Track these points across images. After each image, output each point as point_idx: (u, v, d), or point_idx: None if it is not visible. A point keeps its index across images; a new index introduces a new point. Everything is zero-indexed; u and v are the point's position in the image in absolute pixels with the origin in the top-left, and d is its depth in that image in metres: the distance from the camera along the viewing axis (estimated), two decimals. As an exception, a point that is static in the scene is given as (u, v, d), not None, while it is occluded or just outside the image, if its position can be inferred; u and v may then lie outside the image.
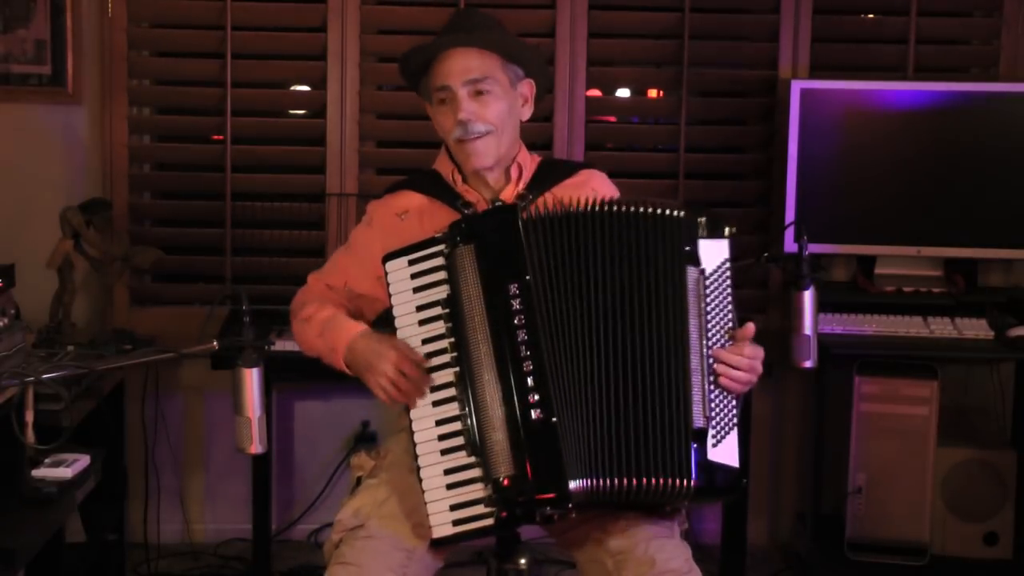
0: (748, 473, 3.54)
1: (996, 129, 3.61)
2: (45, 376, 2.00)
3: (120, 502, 3.63)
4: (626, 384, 2.06)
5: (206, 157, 3.87)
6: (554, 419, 2.03)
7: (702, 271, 2.10)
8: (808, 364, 2.43)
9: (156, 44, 3.84)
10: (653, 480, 2.04)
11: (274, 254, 3.83)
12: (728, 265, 2.12)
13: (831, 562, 3.55)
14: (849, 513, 3.56)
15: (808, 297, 2.40)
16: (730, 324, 2.12)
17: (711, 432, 2.07)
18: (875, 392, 3.55)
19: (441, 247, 2.13)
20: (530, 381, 2.04)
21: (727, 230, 2.14)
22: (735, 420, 2.11)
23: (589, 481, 2.03)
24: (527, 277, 2.07)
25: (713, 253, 2.12)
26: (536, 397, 2.03)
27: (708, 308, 2.10)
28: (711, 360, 2.09)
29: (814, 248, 3.06)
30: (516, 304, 2.06)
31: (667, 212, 2.12)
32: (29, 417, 2.71)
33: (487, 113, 2.25)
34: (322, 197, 3.77)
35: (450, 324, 2.11)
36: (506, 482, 2.03)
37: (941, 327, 3.46)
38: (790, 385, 3.91)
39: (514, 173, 2.34)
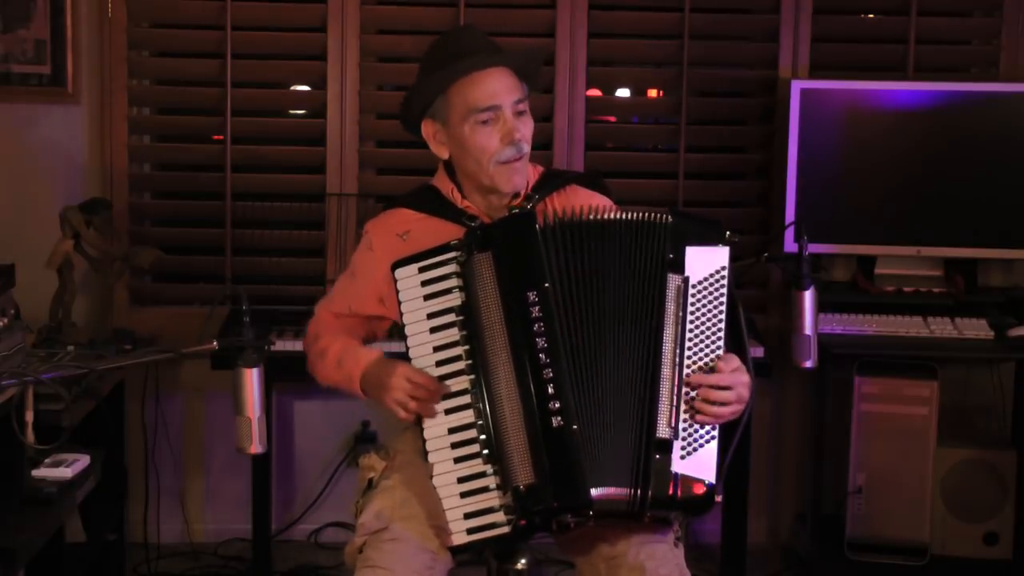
0: (749, 480, 3.59)
1: (996, 129, 3.61)
2: (45, 376, 1.99)
3: (120, 502, 3.62)
4: (601, 392, 2.06)
5: (206, 157, 3.87)
6: (575, 426, 2.02)
7: (686, 279, 2.08)
8: (808, 364, 2.42)
9: (156, 44, 3.84)
10: (614, 489, 2.03)
11: (274, 254, 3.83)
12: (724, 273, 2.10)
13: (831, 562, 3.56)
14: (849, 513, 3.56)
15: (808, 297, 2.40)
16: (720, 333, 2.09)
17: (679, 444, 2.05)
18: (875, 392, 3.55)
19: (455, 255, 2.13)
20: (550, 389, 2.04)
21: (726, 236, 2.12)
22: (713, 434, 2.07)
23: (604, 489, 2.03)
24: (546, 285, 2.07)
25: (704, 260, 2.10)
26: (556, 405, 2.03)
27: (693, 316, 2.07)
28: (689, 370, 2.07)
29: (814, 248, 3.07)
30: (535, 312, 2.06)
31: (651, 218, 2.11)
32: (29, 417, 2.71)
33: (528, 133, 2.26)
34: (322, 197, 3.76)
35: (465, 332, 2.10)
36: (525, 490, 2.03)
37: (941, 327, 3.46)
38: (790, 385, 3.91)
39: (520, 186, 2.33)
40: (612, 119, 3.98)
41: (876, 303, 3.63)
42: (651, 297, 2.08)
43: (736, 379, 2.08)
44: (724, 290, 2.10)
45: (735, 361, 2.10)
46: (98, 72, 3.74)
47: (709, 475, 2.06)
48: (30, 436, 2.70)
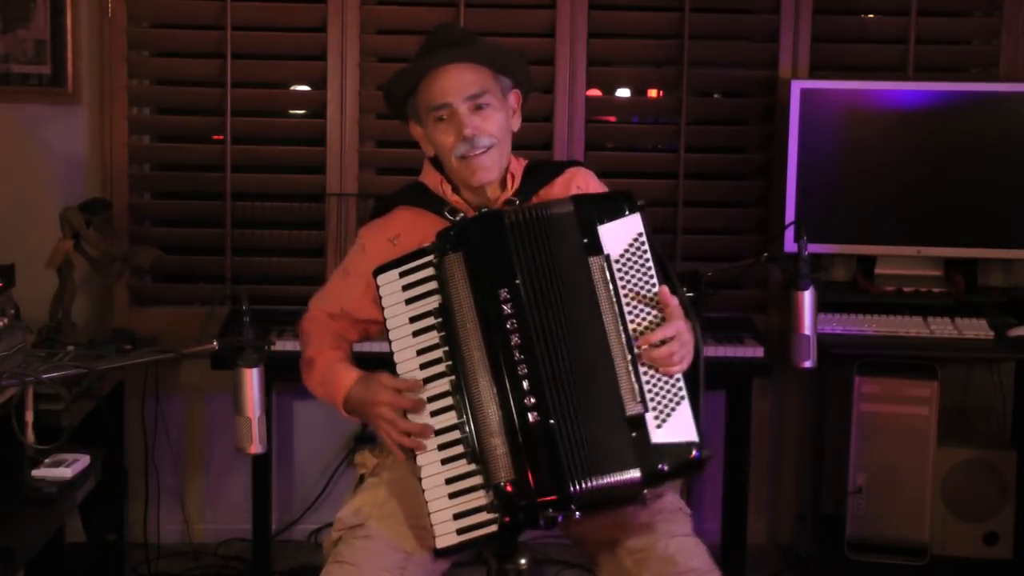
0: (749, 480, 3.59)
1: (996, 129, 3.61)
2: (45, 376, 2.00)
3: (120, 502, 3.63)
4: (564, 385, 2.06)
5: (206, 157, 3.87)
6: (551, 421, 2.04)
7: (606, 257, 2.10)
8: (808, 364, 2.42)
9: (156, 44, 3.84)
10: (604, 478, 2.03)
11: (274, 254, 3.83)
12: (642, 239, 2.12)
13: (831, 562, 3.55)
14: (849, 513, 3.56)
15: (808, 297, 2.40)
16: (655, 295, 2.11)
17: (652, 414, 2.05)
18: (875, 392, 3.55)
19: (430, 257, 2.15)
20: (525, 384, 2.05)
21: (627, 207, 2.13)
22: (682, 393, 2.08)
23: (587, 482, 2.03)
24: (516, 281, 2.08)
25: (619, 234, 2.12)
26: (532, 400, 2.04)
27: (625, 288, 2.09)
28: (639, 346, 2.07)
29: (814, 248, 3.07)
30: (508, 308, 2.07)
31: (550, 212, 2.14)
32: (29, 417, 2.71)
33: (489, 127, 2.24)
34: (322, 197, 3.77)
35: (443, 333, 2.12)
36: (507, 487, 2.04)
37: (941, 327, 3.46)
38: (790, 385, 3.91)
39: (508, 182, 2.34)
40: (612, 119, 3.98)
41: (876, 303, 3.62)
42: (582, 284, 2.10)
43: (674, 329, 2.08)
44: (648, 255, 2.12)
45: (670, 307, 2.10)
46: (98, 72, 3.75)
47: (690, 435, 2.06)
48: (30, 436, 2.70)
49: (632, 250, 2.12)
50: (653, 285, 2.11)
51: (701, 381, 2.12)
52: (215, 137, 3.86)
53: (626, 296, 2.10)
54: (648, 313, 2.10)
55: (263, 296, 3.71)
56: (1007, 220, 3.63)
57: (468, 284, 2.10)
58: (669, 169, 3.85)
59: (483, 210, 2.26)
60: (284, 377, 3.55)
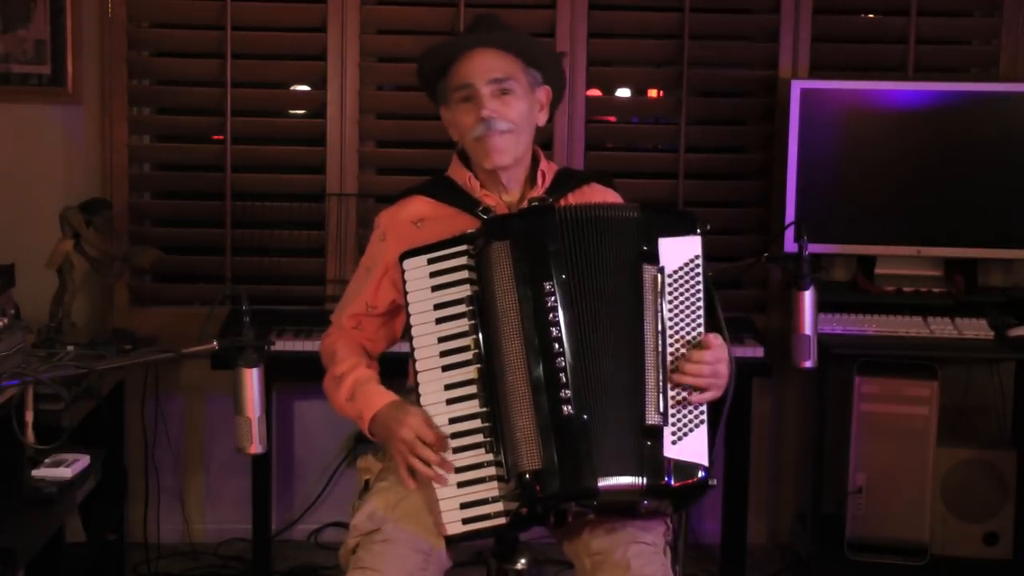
0: (749, 480, 3.59)
1: (996, 129, 3.61)
2: (45, 376, 2.00)
3: (120, 502, 3.62)
4: (600, 383, 2.07)
5: (206, 157, 3.87)
6: (585, 416, 2.04)
7: (661, 269, 2.11)
8: (808, 364, 2.42)
9: (156, 44, 3.84)
10: (609, 480, 2.04)
11: (274, 254, 3.83)
12: (698, 261, 2.13)
13: (831, 562, 3.55)
14: (849, 513, 3.56)
15: (808, 297, 2.40)
16: (700, 319, 2.12)
17: (670, 429, 2.06)
18: (875, 392, 3.55)
19: (467, 247, 2.15)
20: (562, 377, 2.06)
21: (696, 227, 2.15)
22: (703, 417, 2.09)
23: (609, 480, 2.03)
24: (563, 276, 2.10)
25: (678, 251, 2.13)
26: (567, 393, 2.05)
27: (672, 304, 2.11)
28: (673, 359, 2.09)
29: (814, 248, 3.07)
30: (551, 301, 2.08)
31: (620, 214, 2.16)
32: (29, 417, 2.71)
33: (509, 112, 2.27)
34: (322, 197, 3.77)
35: (474, 321, 2.12)
36: (531, 476, 2.04)
37: (941, 327, 3.46)
38: (790, 385, 3.91)
39: (539, 179, 2.36)
40: (612, 119, 3.98)
41: (876, 303, 3.62)
42: (631, 289, 2.11)
43: (714, 356, 2.10)
44: (699, 278, 2.13)
45: (716, 340, 2.13)
46: (98, 72, 3.74)
47: (701, 458, 2.07)
48: (30, 436, 2.70)
49: (687, 269, 2.13)
50: (699, 308, 2.12)
51: (724, 414, 2.13)
52: (215, 137, 3.86)
53: (672, 311, 2.11)
54: (689, 332, 2.11)
55: (263, 296, 3.71)
56: (1007, 220, 3.63)
57: (512, 274, 2.10)
58: (669, 169, 3.85)
59: (533, 203, 2.27)
60: (284, 377, 3.57)
